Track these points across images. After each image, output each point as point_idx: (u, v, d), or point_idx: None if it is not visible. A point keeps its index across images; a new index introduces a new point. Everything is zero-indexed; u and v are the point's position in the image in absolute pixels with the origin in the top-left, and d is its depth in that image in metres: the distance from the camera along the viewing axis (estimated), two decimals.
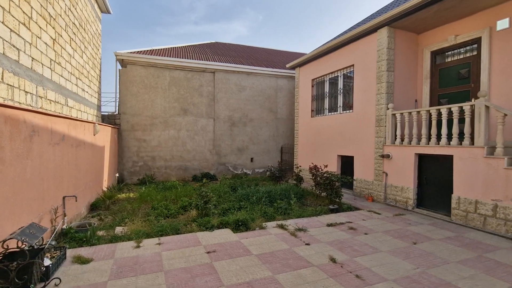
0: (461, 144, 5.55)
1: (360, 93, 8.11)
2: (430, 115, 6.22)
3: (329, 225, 5.32)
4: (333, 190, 6.82)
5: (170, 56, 11.13)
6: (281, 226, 5.14)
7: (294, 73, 12.12)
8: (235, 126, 12.00)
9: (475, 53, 6.45)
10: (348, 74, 8.82)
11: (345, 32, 9.40)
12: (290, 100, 13.02)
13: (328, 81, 9.79)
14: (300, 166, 9.06)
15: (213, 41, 16.31)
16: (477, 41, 6.36)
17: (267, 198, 6.75)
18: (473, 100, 6.27)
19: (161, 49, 12.23)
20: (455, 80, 6.87)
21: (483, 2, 5.94)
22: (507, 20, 5.79)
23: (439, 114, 6.02)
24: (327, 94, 9.81)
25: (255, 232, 4.91)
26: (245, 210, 6.05)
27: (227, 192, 7.76)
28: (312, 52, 10.15)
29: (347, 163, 8.74)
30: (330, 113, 9.63)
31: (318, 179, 7.66)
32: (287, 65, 11.75)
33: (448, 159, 5.76)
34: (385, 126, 7.22)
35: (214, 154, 11.63)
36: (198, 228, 5.05)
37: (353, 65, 8.44)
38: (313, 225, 5.29)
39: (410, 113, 6.68)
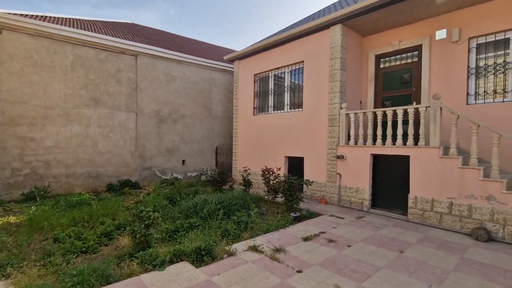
0: (417, 144, 5.70)
1: (310, 91, 7.77)
2: (385, 115, 6.28)
3: (304, 239, 4.56)
4: (293, 195, 6.15)
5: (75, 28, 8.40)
6: (254, 249, 4.07)
7: (232, 67, 11.10)
8: (164, 123, 10.10)
9: (416, 59, 6.90)
10: (297, 71, 8.40)
11: (293, 26, 9.01)
12: (226, 97, 11.92)
13: (273, 77, 9.18)
14: (249, 169, 8.14)
15: (130, 22, 13.63)
16: (419, 48, 6.81)
17: (221, 210, 5.52)
18: (414, 103, 6.68)
19: (61, 18, 9.20)
20: (398, 83, 7.24)
21: (425, 12, 6.34)
22: (444, 31, 6.32)
23: (395, 115, 6.13)
24: (272, 91, 9.20)
25: (225, 261, 3.69)
26: (198, 230, 4.69)
27: (166, 206, 6.13)
28: (254, 45, 9.37)
29: (295, 164, 8.30)
30: (276, 111, 9.04)
31: (272, 183, 6.92)
32: (225, 57, 10.64)
33: (404, 159, 5.87)
34: (339, 126, 7.03)
35: (137, 157, 9.46)
36: (141, 267, 3.46)
37: (302, 61, 8.04)
38: (288, 241, 4.43)
39: (364, 113, 6.64)
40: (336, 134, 7.06)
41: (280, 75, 8.95)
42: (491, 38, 5.84)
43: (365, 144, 6.53)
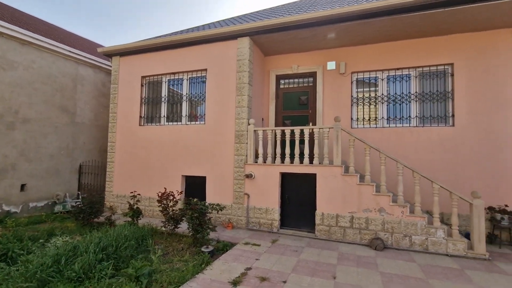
0: (322, 163, 6.00)
1: (215, 104, 7.03)
2: (293, 134, 6.36)
3: (233, 283, 3.65)
4: (204, 225, 5.09)
5: None
6: None
7: (109, 64, 8.82)
8: None
9: (312, 84, 7.53)
10: (198, 79, 7.48)
11: (194, 29, 8.08)
12: (98, 100, 9.34)
13: (167, 82, 7.84)
14: (138, 194, 6.30)
15: None
16: (314, 74, 7.46)
17: (107, 262, 3.75)
18: (311, 124, 7.20)
19: None
20: (296, 104, 7.66)
21: (320, 43, 7.03)
22: (334, 63, 7.20)
23: (302, 134, 6.30)
24: (166, 99, 7.81)
25: None
26: None
27: None
28: (145, 41, 7.79)
29: (195, 185, 7.21)
30: (170, 123, 7.67)
31: (172, 211, 5.59)
32: (100, 50, 8.34)
33: (310, 177, 6.05)
34: (247, 143, 6.61)
35: None
36: None
37: (205, 70, 7.24)
38: None
39: (273, 130, 6.53)
40: (244, 151, 6.60)
41: (177, 81, 7.74)
42: (366, 75, 7.09)
43: (274, 163, 6.37)
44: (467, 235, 5.27)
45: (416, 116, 6.54)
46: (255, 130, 6.60)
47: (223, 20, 8.89)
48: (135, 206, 5.96)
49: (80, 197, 8.32)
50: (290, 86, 7.79)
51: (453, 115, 6.24)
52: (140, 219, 5.99)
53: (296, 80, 7.73)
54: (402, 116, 6.68)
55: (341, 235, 5.65)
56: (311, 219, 6.02)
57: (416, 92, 6.59)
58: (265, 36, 6.72)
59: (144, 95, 8.05)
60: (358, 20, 5.88)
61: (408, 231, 5.19)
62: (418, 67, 6.59)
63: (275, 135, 6.55)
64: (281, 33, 6.52)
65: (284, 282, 3.74)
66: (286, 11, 7.87)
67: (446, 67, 6.42)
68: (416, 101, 6.59)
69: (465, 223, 5.77)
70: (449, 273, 4.09)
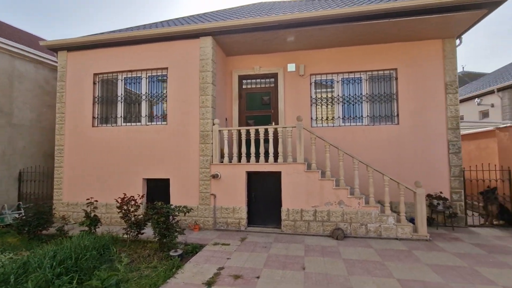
0: (286, 161, 6.25)
1: (177, 103, 6.85)
2: (258, 133, 6.51)
3: (207, 284, 3.64)
4: (171, 229, 4.95)
5: None
6: None
7: (54, 60, 7.99)
8: None
9: (273, 85, 7.77)
10: (158, 78, 7.20)
11: (152, 25, 7.73)
12: (40, 99, 8.40)
13: (123, 80, 7.38)
14: (96, 201, 5.79)
15: None
16: (275, 75, 7.72)
17: (68, 276, 3.44)
18: (273, 123, 7.44)
19: None
20: (259, 104, 7.83)
21: (281, 46, 7.30)
22: (294, 65, 7.54)
23: (266, 133, 6.47)
24: (123, 98, 7.36)
25: None
26: None
27: None
28: (97, 36, 7.24)
29: (158, 188, 6.93)
30: (128, 124, 7.25)
31: (135, 216, 5.34)
32: (43, 43, 7.53)
33: (276, 175, 6.27)
34: (212, 143, 6.58)
35: None
36: None
37: (166, 68, 7.00)
38: None
39: (238, 130, 6.60)
40: (209, 152, 6.56)
41: (135, 80, 7.34)
42: (323, 77, 7.57)
43: (240, 162, 6.45)
44: (411, 220, 5.99)
45: (368, 115, 7.20)
46: (220, 130, 6.60)
47: (182, 18, 8.65)
48: (92, 214, 5.53)
49: (21, 208, 7.38)
50: (253, 86, 7.94)
51: (397, 115, 7.01)
52: (98, 227, 5.58)
53: (258, 80, 7.91)
54: (356, 116, 7.29)
55: (305, 229, 5.97)
56: (277, 215, 6.24)
57: (367, 93, 7.25)
58: (228, 36, 6.76)
59: (97, 94, 7.46)
60: (314, 25, 6.26)
61: (364, 220, 5.71)
62: (368, 71, 7.25)
63: (240, 134, 6.63)
64: (245, 34, 6.62)
65: (258, 277, 3.85)
66: (247, 12, 7.99)
67: (391, 71, 7.18)
68: (367, 102, 7.24)
69: (410, 210, 6.53)
70: (400, 255, 4.63)
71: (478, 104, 12.55)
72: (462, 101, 13.51)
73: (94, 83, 7.45)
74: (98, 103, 7.46)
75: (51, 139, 8.07)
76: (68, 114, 7.45)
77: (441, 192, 6.47)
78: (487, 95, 12.23)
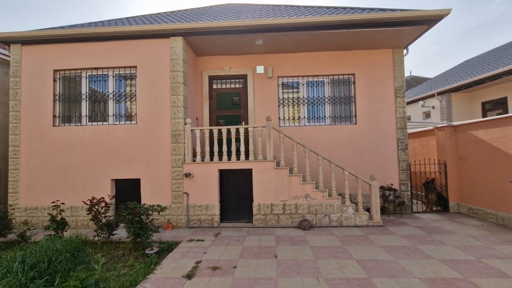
0: (257, 159, 6.61)
1: (147, 103, 6.81)
2: (229, 132, 6.76)
3: (187, 276, 3.84)
4: (146, 228, 5.01)
5: None
6: None
7: (7, 54, 7.36)
8: None
9: (243, 86, 8.06)
10: (126, 76, 7.06)
11: (117, 21, 7.51)
12: None
13: (88, 78, 7.11)
14: (62, 203, 5.52)
15: None
16: (245, 77, 8.02)
17: (43, 279, 3.39)
18: (243, 123, 7.75)
19: None
20: (229, 104, 8.07)
21: (251, 48, 7.63)
22: (262, 67, 7.92)
23: (237, 132, 6.74)
24: (87, 96, 7.08)
25: None
26: None
27: None
28: (58, 30, 6.87)
29: (127, 188, 6.84)
30: (94, 123, 7.01)
31: (106, 217, 5.29)
32: None
33: (247, 172, 6.60)
34: (184, 142, 6.68)
35: None
36: None
37: (135, 67, 6.91)
38: (173, 287, 3.55)
39: (210, 129, 6.78)
40: (182, 151, 6.65)
41: (101, 77, 7.10)
42: (290, 80, 8.06)
43: (212, 160, 6.65)
44: (368, 209, 6.75)
45: (330, 116, 7.86)
46: (192, 130, 6.73)
47: (150, 15, 8.52)
48: (59, 217, 5.33)
49: None
50: (223, 86, 8.15)
51: (355, 115, 7.77)
52: (66, 230, 5.39)
53: (228, 81, 8.14)
54: (319, 116, 7.91)
55: (275, 221, 6.40)
56: (249, 210, 6.58)
57: (329, 96, 7.90)
58: (199, 37, 6.88)
59: (58, 92, 7.08)
60: (281, 32, 6.68)
61: (328, 211, 6.31)
62: (330, 75, 7.91)
63: (212, 134, 6.83)
64: (215, 36, 6.80)
65: (234, 267, 4.15)
66: (217, 13, 8.15)
67: (350, 76, 7.91)
68: (329, 103, 7.90)
69: (366, 200, 7.31)
70: (358, 239, 5.27)
71: (422, 106, 14.19)
72: (409, 103, 15.14)
73: (55, 80, 7.05)
74: (59, 101, 7.08)
75: (4, 139, 7.45)
76: (24, 112, 6.96)
77: (392, 184, 7.35)
78: (430, 98, 13.88)
